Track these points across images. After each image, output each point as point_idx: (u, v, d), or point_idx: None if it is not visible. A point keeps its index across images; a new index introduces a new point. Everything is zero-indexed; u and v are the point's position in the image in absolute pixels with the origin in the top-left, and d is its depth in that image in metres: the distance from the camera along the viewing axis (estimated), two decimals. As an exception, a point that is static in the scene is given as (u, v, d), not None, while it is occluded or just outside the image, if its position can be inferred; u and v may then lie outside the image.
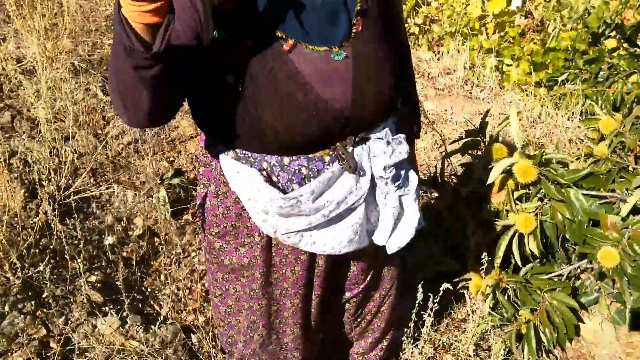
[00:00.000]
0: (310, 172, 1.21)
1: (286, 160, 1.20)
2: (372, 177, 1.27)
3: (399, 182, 1.31)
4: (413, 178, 1.36)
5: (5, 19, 3.47)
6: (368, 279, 1.56)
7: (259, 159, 1.20)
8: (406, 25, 5.28)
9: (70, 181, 2.39)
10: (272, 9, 1.09)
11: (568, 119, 3.48)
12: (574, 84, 3.99)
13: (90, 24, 3.73)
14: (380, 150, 1.26)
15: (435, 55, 4.78)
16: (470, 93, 3.80)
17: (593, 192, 2.08)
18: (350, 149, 1.22)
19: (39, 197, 2.19)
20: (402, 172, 1.33)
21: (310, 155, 1.20)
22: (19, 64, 3.06)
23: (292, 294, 1.42)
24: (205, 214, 1.36)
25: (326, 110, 1.14)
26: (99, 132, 2.79)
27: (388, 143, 1.28)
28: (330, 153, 1.21)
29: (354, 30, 1.16)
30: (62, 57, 3.13)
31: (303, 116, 1.13)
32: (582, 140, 3.29)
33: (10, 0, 3.23)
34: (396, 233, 1.36)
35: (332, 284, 1.52)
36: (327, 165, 1.21)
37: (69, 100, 2.80)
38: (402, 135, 1.33)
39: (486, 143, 2.30)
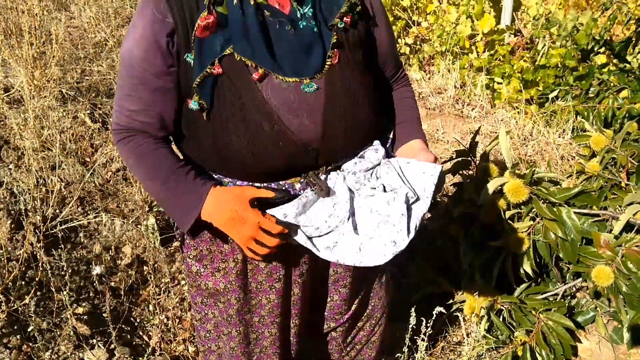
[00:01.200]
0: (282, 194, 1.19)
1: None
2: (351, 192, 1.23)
3: (374, 186, 1.23)
4: (398, 184, 1.24)
5: (-6, 49, 3.46)
6: (353, 308, 1.52)
7: (231, 183, 1.19)
8: (397, 45, 5.30)
9: (57, 210, 2.36)
10: (244, 36, 1.08)
11: (559, 136, 3.47)
12: (564, 101, 4.00)
13: (79, 51, 3.73)
14: (351, 166, 1.24)
15: (427, 74, 4.79)
16: (462, 112, 3.79)
17: (585, 210, 2.06)
18: (323, 176, 1.20)
19: (25, 228, 2.16)
20: (381, 177, 1.27)
21: (280, 182, 1.19)
22: (6, 93, 3.04)
23: (269, 323, 1.39)
24: (185, 236, 1.34)
25: (294, 141, 1.12)
26: (87, 159, 2.76)
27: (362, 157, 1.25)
28: (301, 180, 1.19)
29: (328, 62, 1.14)
30: (50, 85, 3.12)
31: (270, 146, 1.12)
32: (574, 157, 3.28)
33: (-2, 30, 3.23)
34: (376, 243, 1.19)
35: (311, 314, 1.49)
36: (299, 192, 1.19)
37: (56, 129, 2.78)
38: (377, 143, 1.30)
39: (477, 163, 2.29)
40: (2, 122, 2.85)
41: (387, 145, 1.36)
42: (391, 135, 1.39)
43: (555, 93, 4.07)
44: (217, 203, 1.12)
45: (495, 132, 3.52)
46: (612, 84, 3.83)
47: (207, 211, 1.13)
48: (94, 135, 2.92)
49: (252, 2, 1.09)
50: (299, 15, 1.14)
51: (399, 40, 5.42)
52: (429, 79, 4.34)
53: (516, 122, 3.59)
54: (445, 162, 2.27)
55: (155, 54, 1.10)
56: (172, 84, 1.14)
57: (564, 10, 5.19)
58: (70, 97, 3.12)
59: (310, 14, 1.14)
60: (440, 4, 5.98)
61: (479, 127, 2.30)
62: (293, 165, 1.16)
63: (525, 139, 3.39)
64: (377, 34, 1.32)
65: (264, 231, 1.12)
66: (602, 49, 4.03)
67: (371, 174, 1.25)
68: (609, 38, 4.13)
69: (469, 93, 4.22)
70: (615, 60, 3.99)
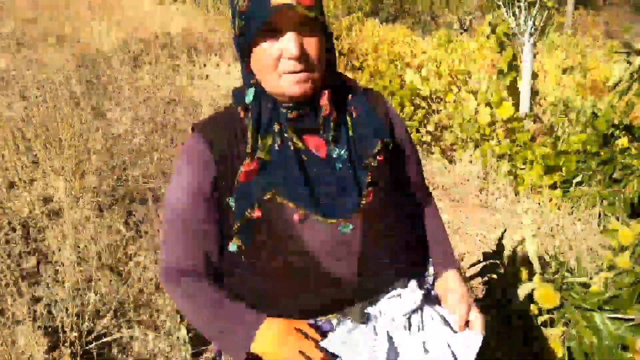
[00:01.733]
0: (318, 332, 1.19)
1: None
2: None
3: (414, 328, 1.24)
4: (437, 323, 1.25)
5: (34, 160, 3.64)
6: None
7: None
8: (418, 133, 5.43)
9: (92, 324, 2.42)
10: (285, 180, 1.13)
11: (586, 224, 3.46)
12: (589, 186, 4.01)
13: (115, 159, 3.91)
14: (390, 307, 1.25)
15: (450, 163, 4.86)
16: (486, 202, 3.82)
17: (619, 315, 2.03)
18: (358, 311, 1.21)
19: (60, 347, 2.22)
20: (421, 317, 1.29)
21: (317, 318, 1.20)
22: (46, 205, 3.18)
23: None
24: (222, 354, 1.32)
25: (332, 282, 1.15)
26: (122, 268, 2.85)
27: (399, 296, 1.27)
28: (338, 316, 1.20)
29: (363, 202, 1.16)
30: (87, 195, 3.26)
31: (307, 286, 1.15)
32: (604, 247, 3.25)
33: (39, 144, 3.42)
34: None
35: None
36: (336, 326, 1.21)
37: (92, 240, 2.89)
38: (414, 283, 1.32)
39: (505, 264, 2.30)
40: (41, 235, 2.97)
41: (426, 285, 1.35)
42: (431, 271, 1.38)
43: (578, 178, 4.09)
44: (272, 335, 1.14)
45: (521, 223, 3.53)
46: (635, 168, 3.85)
47: (259, 342, 1.14)
48: (128, 243, 3.02)
49: (292, 147, 1.14)
50: (334, 156, 1.18)
51: (420, 128, 5.54)
52: (449, 171, 4.40)
53: (542, 211, 3.60)
54: (471, 265, 2.29)
55: (200, 200, 1.16)
56: (217, 228, 1.19)
57: (581, 96, 5.30)
58: (105, 206, 3.25)
59: (346, 156, 1.18)
60: (460, 90, 6.15)
61: (505, 230, 2.32)
62: (331, 304, 1.18)
63: (551, 230, 3.39)
64: (407, 164, 1.36)
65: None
66: (623, 133, 4.08)
67: (410, 322, 1.25)
68: (628, 123, 4.19)
69: (492, 181, 4.27)
70: (636, 144, 4.02)
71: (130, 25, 7.20)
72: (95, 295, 2.55)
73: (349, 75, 7.21)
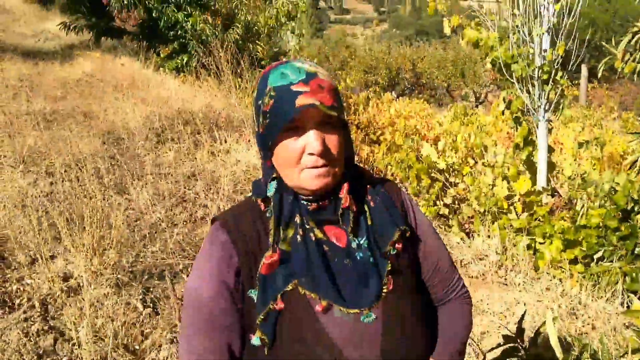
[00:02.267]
0: None
1: None
2: None
3: None
4: None
5: (57, 236, 3.72)
6: None
7: None
8: (435, 207, 5.44)
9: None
10: (308, 271, 1.15)
11: (608, 301, 3.39)
12: (610, 262, 3.95)
13: (135, 234, 3.97)
14: None
15: (468, 236, 4.84)
16: (505, 279, 3.77)
17: (643, 402, 1.97)
18: None
19: None
20: None
21: None
22: (65, 282, 3.22)
23: None
24: None
25: None
26: (137, 347, 2.84)
27: None
28: None
29: (384, 290, 1.18)
30: (107, 272, 3.30)
31: None
32: (627, 327, 3.17)
33: (62, 221, 3.49)
34: None
35: None
36: None
37: (109, 317, 2.90)
38: None
39: (525, 348, 2.25)
40: (59, 312, 2.99)
41: None
42: None
43: (599, 254, 4.04)
44: None
45: (539, 301, 3.47)
46: (658, 244, 3.79)
47: None
48: (145, 321, 3.02)
49: (313, 239, 1.17)
50: (354, 246, 1.21)
51: (437, 202, 5.56)
52: (469, 246, 4.38)
53: (563, 289, 3.54)
54: (491, 349, 2.25)
55: (223, 292, 1.17)
56: (239, 320, 1.19)
57: (598, 169, 5.30)
58: (123, 283, 3.28)
59: (366, 245, 1.21)
60: (476, 163, 6.20)
61: (524, 312, 2.29)
62: None
63: (573, 308, 3.32)
64: (427, 248, 1.36)
65: None
66: (642, 208, 4.05)
67: None
68: (647, 198, 4.16)
69: (511, 256, 4.23)
70: (657, 219, 3.98)
71: (154, 103, 7.46)
72: (110, 375, 2.54)
73: (366, 148, 7.33)
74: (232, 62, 8.23)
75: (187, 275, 3.50)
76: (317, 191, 1.17)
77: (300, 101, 1.10)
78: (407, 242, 1.28)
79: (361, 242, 1.21)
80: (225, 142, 6.19)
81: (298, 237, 1.17)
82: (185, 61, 10.92)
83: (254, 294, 1.17)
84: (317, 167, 1.14)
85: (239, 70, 8.42)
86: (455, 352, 1.36)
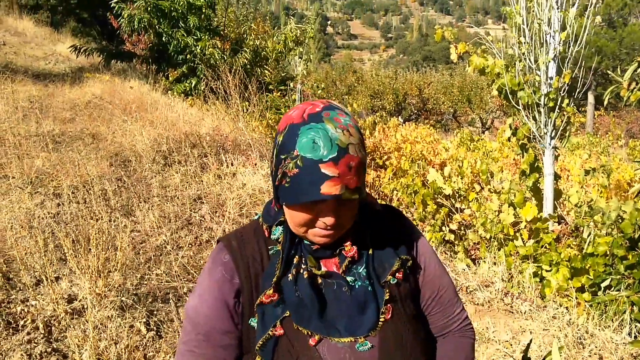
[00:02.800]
0: None
1: None
2: None
3: None
4: None
5: (62, 258, 3.72)
6: None
7: None
8: (441, 232, 5.42)
9: None
10: (298, 308, 1.17)
11: (615, 332, 3.35)
12: (618, 290, 3.91)
13: (140, 256, 3.97)
14: None
15: (474, 263, 4.81)
16: (511, 307, 3.74)
17: None
18: None
19: None
20: None
21: None
22: (70, 304, 3.22)
23: None
24: None
25: None
26: (140, 371, 2.82)
27: None
28: None
29: (381, 319, 1.19)
30: (111, 294, 3.29)
31: None
32: (635, 357, 3.13)
33: (68, 242, 3.50)
34: None
35: None
36: None
37: (113, 340, 2.89)
38: None
39: (530, 376, 2.23)
40: (62, 335, 2.98)
41: None
42: None
43: (607, 282, 4.00)
44: None
45: (548, 330, 3.43)
46: (666, 273, 3.76)
47: None
48: (148, 345, 3.00)
49: (305, 275, 1.18)
50: (353, 275, 1.22)
51: (443, 227, 5.54)
52: (475, 272, 4.35)
53: (570, 317, 3.50)
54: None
55: (222, 312, 1.19)
56: (236, 342, 1.21)
57: (605, 198, 5.28)
58: (128, 305, 3.27)
59: (365, 274, 1.22)
60: (482, 189, 6.19)
61: (530, 340, 2.27)
62: None
63: (580, 338, 3.28)
64: (428, 277, 1.35)
65: None
66: (650, 237, 4.02)
67: None
68: (655, 227, 4.13)
69: (517, 283, 4.20)
70: (665, 248, 3.95)
71: (162, 126, 7.52)
72: (112, 399, 2.52)
73: (372, 173, 7.34)
74: (239, 87, 8.31)
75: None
76: (321, 246, 1.20)
77: (326, 189, 1.07)
78: (409, 271, 1.28)
79: (360, 270, 1.22)
80: (232, 165, 6.22)
81: (289, 276, 1.19)
82: (193, 85, 11.04)
83: (254, 322, 1.19)
84: (325, 230, 1.15)
85: (246, 95, 8.50)
86: None
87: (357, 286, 1.21)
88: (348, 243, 1.22)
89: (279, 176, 1.13)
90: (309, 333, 1.15)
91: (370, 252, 1.25)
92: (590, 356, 3.17)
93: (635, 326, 3.56)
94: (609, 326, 3.53)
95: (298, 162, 1.08)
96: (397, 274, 1.24)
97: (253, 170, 6.05)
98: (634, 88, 2.56)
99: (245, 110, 8.28)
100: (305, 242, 1.21)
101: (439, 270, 1.38)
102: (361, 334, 1.17)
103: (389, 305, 1.21)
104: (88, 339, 2.83)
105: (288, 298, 1.17)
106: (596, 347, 3.20)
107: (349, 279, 1.21)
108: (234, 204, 5.08)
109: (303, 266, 1.20)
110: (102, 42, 12.96)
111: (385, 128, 10.22)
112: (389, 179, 6.93)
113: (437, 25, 5.55)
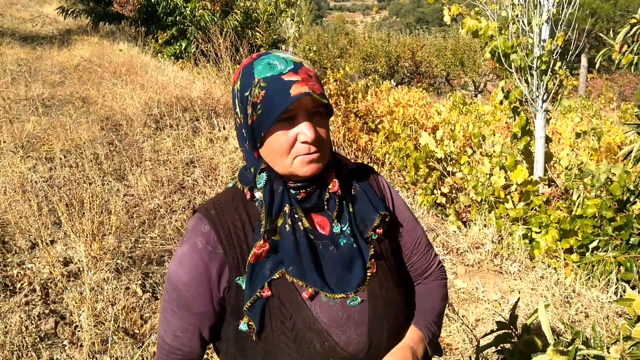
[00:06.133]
0: None
1: None
2: None
3: None
4: None
5: (56, 221, 3.74)
6: None
7: None
8: (433, 195, 5.47)
9: (106, 388, 2.44)
10: (296, 259, 1.18)
11: (602, 291, 3.43)
12: (605, 251, 3.99)
13: (134, 219, 4.00)
14: None
15: (465, 225, 4.87)
16: (501, 267, 3.81)
17: (634, 389, 2.01)
18: None
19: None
20: None
21: None
22: (66, 267, 3.25)
23: None
24: None
25: (343, 355, 1.19)
26: (137, 331, 2.87)
27: None
28: None
29: (368, 274, 1.23)
30: (106, 257, 3.33)
31: None
32: (620, 315, 3.22)
33: (62, 206, 3.52)
34: None
35: None
36: None
37: (109, 302, 2.94)
38: None
39: (518, 335, 2.29)
40: (59, 296, 3.02)
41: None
42: None
43: (595, 243, 4.07)
44: None
45: (536, 290, 3.51)
46: (652, 234, 3.83)
47: None
48: (144, 306, 3.05)
49: (301, 228, 1.20)
50: (337, 232, 1.24)
51: (435, 190, 5.59)
52: (465, 234, 4.41)
53: (557, 277, 3.58)
54: (484, 335, 2.28)
55: (204, 281, 1.19)
56: (218, 309, 1.23)
57: (595, 160, 5.33)
58: (123, 268, 3.31)
59: (349, 232, 1.24)
60: (474, 152, 6.22)
61: (518, 299, 2.33)
62: None
63: (567, 297, 3.36)
64: (406, 229, 1.41)
65: None
66: (638, 199, 4.09)
67: None
68: (643, 188, 4.19)
69: (506, 245, 4.27)
70: (652, 210, 4.02)
71: (153, 89, 7.45)
72: (111, 358, 2.57)
73: (365, 137, 7.34)
74: (230, 49, 8.21)
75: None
76: (308, 177, 1.19)
77: (295, 90, 1.11)
78: (388, 226, 1.32)
79: (344, 228, 1.25)
80: (224, 129, 6.20)
81: (287, 226, 1.19)
82: (183, 47, 10.90)
83: (242, 282, 1.19)
84: (309, 153, 1.16)
85: (237, 57, 8.41)
86: (432, 322, 1.40)
87: (342, 244, 1.23)
88: (332, 176, 1.25)
89: (250, 112, 1.16)
90: (304, 285, 1.17)
91: (352, 209, 1.28)
92: (576, 314, 3.26)
93: (621, 285, 3.64)
94: (595, 286, 3.61)
95: (261, 84, 1.13)
96: (377, 230, 1.28)
97: (245, 134, 6.03)
98: (626, 51, 2.57)
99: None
100: (292, 190, 1.22)
101: (413, 221, 1.45)
102: (351, 289, 1.20)
103: (373, 260, 1.24)
104: (85, 301, 2.87)
105: (285, 248, 1.18)
106: (582, 305, 3.28)
107: (335, 230, 1.24)
108: (227, 168, 5.09)
109: (296, 216, 1.21)
110: (90, 4, 12.66)
111: (377, 91, 10.18)
112: (381, 142, 6.94)
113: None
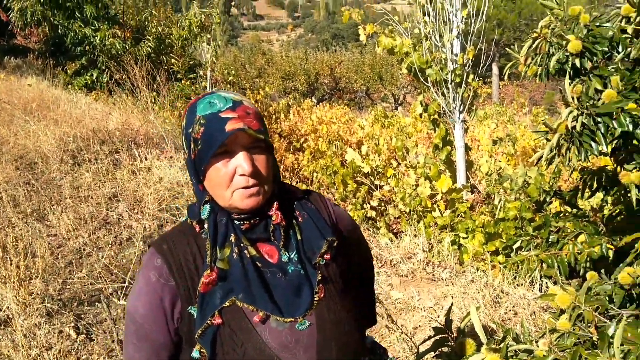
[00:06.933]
0: None
1: None
2: None
3: None
4: None
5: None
6: None
7: None
8: (363, 210, 5.57)
9: None
10: (246, 286, 1.22)
11: (528, 290, 3.61)
12: (528, 250, 4.20)
13: (59, 261, 3.84)
14: None
15: (396, 237, 4.99)
16: (433, 275, 3.93)
17: (565, 379, 2.12)
18: None
19: None
20: None
21: None
22: (-8, 317, 3.08)
23: None
24: None
25: None
26: (73, 377, 2.76)
27: None
28: None
29: (316, 298, 1.27)
30: (35, 301, 3.18)
31: None
32: (545, 310, 3.40)
33: (-19, 253, 3.34)
34: None
35: None
36: None
37: (44, 347, 2.81)
38: None
39: (454, 338, 2.38)
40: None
41: None
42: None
43: (518, 244, 4.28)
44: None
45: (467, 293, 3.65)
46: (569, 230, 4.07)
47: None
48: (80, 348, 2.94)
49: (248, 256, 1.25)
50: (285, 260, 1.28)
51: (364, 205, 5.70)
52: (397, 245, 4.53)
53: (486, 279, 3.73)
54: (425, 341, 2.35)
55: (160, 312, 1.24)
56: (175, 339, 1.27)
57: (512, 165, 5.61)
58: (54, 310, 3.17)
59: (297, 259, 1.29)
60: (399, 165, 6.40)
61: (452, 304, 2.42)
62: None
63: (497, 297, 3.51)
64: (354, 251, 1.50)
65: None
66: (554, 199, 4.34)
67: None
68: (558, 188, 4.46)
69: (437, 253, 4.41)
70: (567, 208, 4.27)
71: (67, 124, 7.20)
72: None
73: (290, 157, 7.39)
74: (147, 77, 8.07)
75: (118, 299, 3.44)
76: (249, 210, 1.24)
77: (230, 126, 1.18)
78: (336, 251, 1.36)
79: (292, 256, 1.30)
80: (146, 159, 6.06)
81: (234, 255, 1.24)
82: (95, 77, 10.61)
83: (194, 311, 1.23)
84: (248, 187, 1.22)
85: (155, 86, 8.27)
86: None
87: (290, 271, 1.28)
88: (273, 208, 1.28)
89: (192, 147, 1.23)
90: (255, 309, 1.21)
91: (300, 237, 1.32)
92: (506, 313, 3.40)
93: (544, 282, 3.84)
94: (521, 284, 3.79)
95: (201, 121, 1.21)
96: (325, 256, 1.32)
97: (169, 163, 5.93)
98: (530, 63, 2.75)
99: (155, 102, 8.07)
100: (236, 221, 1.26)
101: (363, 244, 1.57)
102: (299, 314, 1.25)
103: (321, 285, 1.29)
104: (19, 348, 2.74)
105: (234, 276, 1.22)
106: (511, 304, 3.43)
107: (283, 259, 1.28)
108: (153, 199, 4.98)
109: (242, 245, 1.25)
110: (-8, 38, 12.12)
111: (300, 110, 10.29)
112: (307, 161, 7.02)
113: (343, 8, 5.64)
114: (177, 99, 8.91)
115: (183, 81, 10.19)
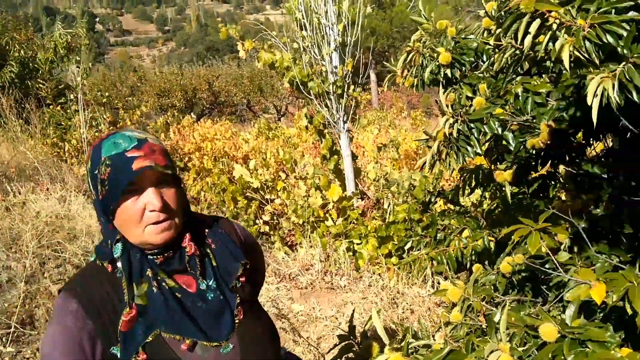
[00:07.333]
0: None
1: None
2: None
3: None
4: None
5: None
6: None
7: None
8: (255, 225, 5.56)
9: None
10: (168, 316, 1.23)
11: (421, 287, 3.79)
12: (419, 249, 4.40)
13: None
14: None
15: (292, 250, 5.02)
16: (332, 284, 4.01)
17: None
18: None
19: None
20: None
21: None
22: None
23: None
24: None
25: None
26: None
27: None
28: None
29: (237, 321, 1.31)
30: None
31: None
32: (439, 305, 3.58)
33: None
34: None
35: None
36: None
37: None
38: None
39: (359, 342, 2.44)
40: None
41: None
42: None
43: (409, 245, 4.48)
44: None
45: (366, 297, 3.76)
46: (454, 227, 4.32)
47: None
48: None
49: (167, 288, 1.25)
50: (204, 288, 1.30)
51: (257, 220, 5.69)
52: (294, 258, 4.56)
53: (383, 284, 3.86)
54: (331, 349, 2.40)
55: (78, 355, 1.20)
56: None
57: (397, 169, 5.85)
58: None
59: (215, 286, 1.32)
60: (288, 177, 6.45)
61: (353, 310, 2.49)
62: None
63: (394, 298, 3.65)
64: (258, 267, 1.57)
65: None
66: (438, 199, 4.58)
67: None
68: (441, 188, 4.72)
69: (334, 261, 4.50)
70: (450, 206, 4.53)
71: None
72: None
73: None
74: (15, 106, 7.53)
75: (4, 346, 3.17)
76: (162, 244, 1.25)
77: (137, 165, 1.19)
78: (247, 271, 1.40)
79: (209, 283, 1.32)
80: (19, 193, 5.65)
81: (154, 289, 1.24)
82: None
83: (116, 351, 1.21)
84: (159, 222, 1.23)
85: (24, 114, 7.73)
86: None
87: (210, 298, 1.30)
88: (186, 240, 1.31)
89: (100, 188, 1.23)
90: (181, 339, 1.22)
91: (215, 263, 1.35)
92: (403, 312, 3.54)
93: (436, 279, 4.05)
94: (415, 283, 3.97)
95: (107, 162, 1.21)
96: (241, 278, 1.36)
97: (45, 196, 5.56)
98: (407, 75, 2.92)
99: (25, 132, 7.55)
100: (150, 256, 1.26)
101: (262, 257, 1.64)
102: (223, 338, 1.27)
103: (240, 307, 1.33)
104: None
105: (154, 309, 1.22)
106: (407, 303, 3.58)
107: (202, 287, 1.30)
108: (31, 236, 4.65)
109: (159, 278, 1.26)
110: None
111: (180, 128, 10.05)
112: (193, 180, 6.88)
113: (218, 20, 5.61)
114: (48, 126, 8.35)
115: (52, 106, 9.57)
